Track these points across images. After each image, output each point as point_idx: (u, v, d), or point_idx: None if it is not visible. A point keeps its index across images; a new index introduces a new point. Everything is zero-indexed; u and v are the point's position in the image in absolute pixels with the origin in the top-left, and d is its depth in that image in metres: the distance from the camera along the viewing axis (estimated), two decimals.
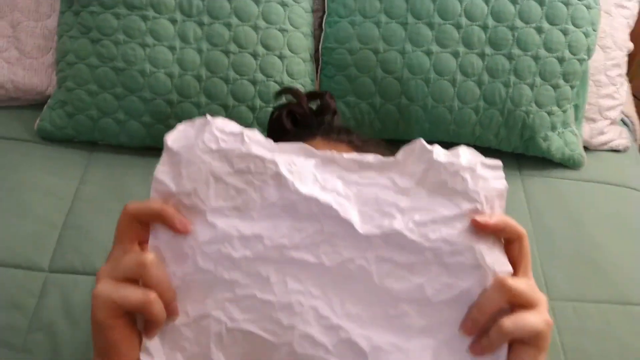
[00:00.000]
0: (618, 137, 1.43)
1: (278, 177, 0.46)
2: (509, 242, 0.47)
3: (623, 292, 1.12)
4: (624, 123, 1.51)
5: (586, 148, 1.39)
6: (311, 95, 0.85)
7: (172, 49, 1.17)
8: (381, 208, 0.46)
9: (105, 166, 1.20)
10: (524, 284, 0.45)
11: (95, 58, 1.16)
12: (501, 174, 0.47)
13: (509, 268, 0.46)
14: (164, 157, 0.46)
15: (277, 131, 0.82)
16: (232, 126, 0.47)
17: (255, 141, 0.46)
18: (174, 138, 0.46)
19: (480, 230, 0.45)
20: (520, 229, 0.46)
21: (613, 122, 1.42)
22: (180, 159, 0.45)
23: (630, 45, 1.47)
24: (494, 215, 0.45)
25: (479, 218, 0.45)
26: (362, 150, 0.70)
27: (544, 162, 1.34)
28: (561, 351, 1.02)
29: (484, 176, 0.46)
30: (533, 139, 1.29)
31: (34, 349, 0.92)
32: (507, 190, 0.47)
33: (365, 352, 0.46)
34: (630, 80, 1.60)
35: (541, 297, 0.45)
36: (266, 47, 1.19)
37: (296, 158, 0.47)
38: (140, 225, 0.46)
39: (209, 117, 0.47)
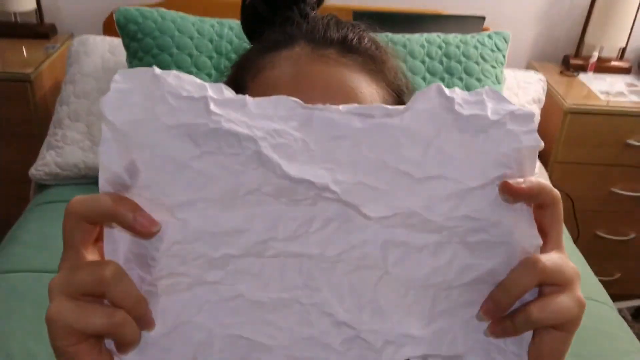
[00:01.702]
0: None
1: (259, 158, 0.37)
2: (541, 208, 0.40)
3: None
4: None
5: None
6: None
7: (209, 76, 1.66)
8: (391, 179, 0.38)
9: None
10: (557, 261, 0.39)
11: None
12: (533, 127, 0.39)
13: (539, 241, 0.39)
14: (106, 134, 0.36)
15: (251, 22, 0.63)
16: (190, 86, 0.36)
17: (224, 105, 0.36)
18: (113, 106, 0.36)
19: (511, 196, 0.38)
20: (556, 192, 0.39)
21: None
22: (128, 140, 0.36)
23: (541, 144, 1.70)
24: (527, 179, 0.39)
25: (512, 182, 0.38)
26: (367, 62, 0.56)
27: None
28: None
29: (514, 132, 0.38)
30: None
31: None
32: (540, 147, 0.39)
33: (376, 348, 0.40)
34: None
35: (574, 272, 0.40)
36: None
37: (277, 120, 0.37)
38: (92, 224, 0.37)
39: (156, 70, 0.36)
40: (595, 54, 2.06)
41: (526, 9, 2.11)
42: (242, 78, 0.58)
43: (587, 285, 1.51)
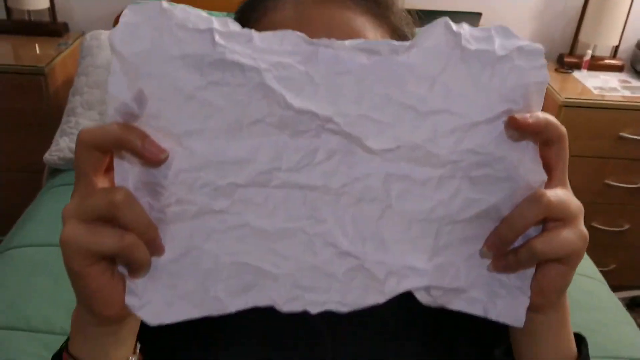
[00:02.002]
0: None
1: (263, 89, 0.37)
2: (546, 144, 0.40)
3: None
4: None
5: None
6: None
7: None
8: (395, 113, 0.38)
9: None
10: (562, 196, 0.39)
11: None
12: (542, 62, 0.39)
13: (544, 176, 0.40)
14: (115, 64, 0.37)
15: None
16: (196, 18, 0.37)
17: (229, 37, 0.37)
18: (122, 38, 0.37)
19: (517, 130, 0.38)
20: (562, 128, 0.39)
21: None
22: (137, 71, 0.37)
23: None
24: (534, 113, 0.38)
25: (518, 117, 0.38)
26: (371, 6, 0.56)
27: None
28: None
29: (523, 67, 0.38)
30: None
31: None
32: (547, 83, 0.39)
33: (380, 279, 0.41)
34: None
35: (578, 207, 0.40)
36: None
37: (282, 54, 0.38)
38: (102, 153, 0.38)
39: (164, 3, 0.37)
40: (589, 52, 2.13)
41: (522, 8, 2.19)
42: (245, 22, 0.58)
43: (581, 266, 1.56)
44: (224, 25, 0.38)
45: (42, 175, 1.77)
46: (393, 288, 0.42)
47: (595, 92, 2.01)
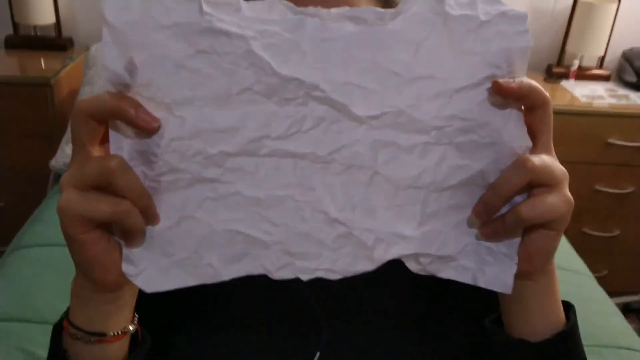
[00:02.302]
0: None
1: (251, 57, 0.38)
2: (531, 109, 0.40)
3: None
4: None
5: None
6: None
7: None
8: (380, 79, 0.39)
9: None
10: (547, 161, 0.40)
11: None
12: (525, 27, 0.39)
13: (528, 142, 0.40)
14: (106, 35, 0.37)
15: None
16: None
17: (217, 7, 0.38)
18: (113, 8, 0.37)
19: (501, 96, 0.38)
20: (546, 94, 0.39)
21: None
22: (127, 41, 0.37)
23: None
24: (517, 79, 0.39)
25: (502, 82, 0.38)
26: None
27: None
28: None
29: (506, 32, 0.39)
30: None
31: None
32: (530, 48, 0.39)
33: (368, 246, 0.42)
34: None
35: (563, 173, 0.40)
36: None
37: (270, 23, 0.38)
38: (98, 123, 0.39)
39: None
40: (576, 62, 2.21)
41: None
42: None
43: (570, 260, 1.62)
44: None
45: (47, 183, 1.82)
46: (381, 255, 0.42)
47: (583, 99, 2.09)
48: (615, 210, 2.16)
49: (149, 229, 0.41)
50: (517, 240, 0.42)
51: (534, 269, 0.44)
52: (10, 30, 2.15)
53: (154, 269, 0.42)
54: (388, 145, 0.41)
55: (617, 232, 2.18)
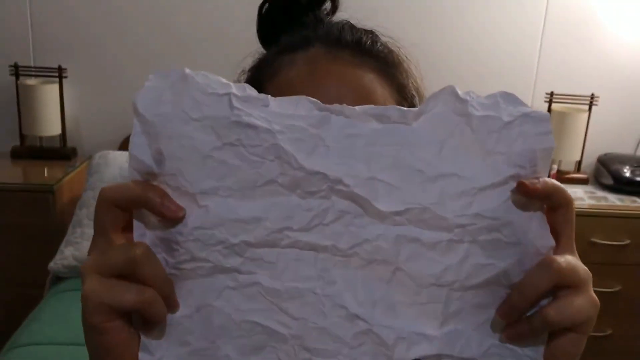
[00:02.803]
0: None
1: (277, 150, 0.39)
2: (553, 209, 0.40)
3: None
4: None
5: None
6: None
7: None
8: (404, 176, 0.39)
9: None
10: (572, 262, 0.39)
11: None
12: (548, 128, 0.39)
13: (552, 242, 0.40)
14: (137, 125, 0.39)
15: (267, 30, 0.66)
16: (216, 84, 0.39)
17: (246, 101, 0.39)
18: (145, 101, 0.39)
19: (526, 196, 0.39)
20: (569, 194, 0.40)
21: None
22: (157, 132, 0.39)
23: None
24: (541, 179, 0.39)
25: (527, 182, 0.38)
26: (380, 64, 0.59)
27: None
28: None
29: (529, 132, 0.39)
30: None
31: None
32: (553, 149, 0.40)
33: (388, 345, 0.41)
34: None
35: (587, 274, 0.40)
36: None
37: (296, 118, 0.40)
38: (122, 210, 0.39)
39: (186, 70, 0.40)
40: (555, 167, 2.33)
41: None
42: (259, 79, 0.61)
43: None
44: (241, 90, 0.40)
45: (43, 290, 1.83)
46: (402, 355, 0.41)
47: None
48: (606, 309, 2.18)
49: (167, 316, 0.41)
50: (543, 343, 0.41)
51: None
52: (17, 142, 2.25)
53: (170, 357, 0.42)
54: (411, 241, 0.40)
55: (609, 332, 2.19)
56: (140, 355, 0.41)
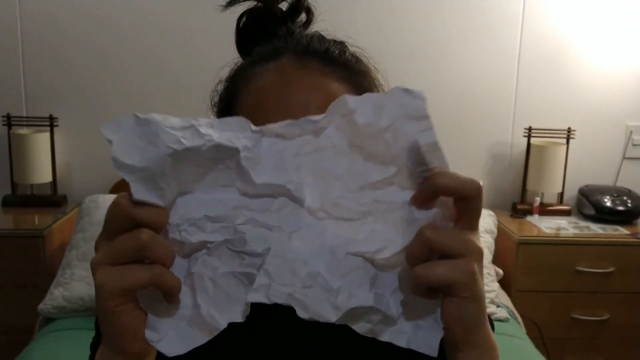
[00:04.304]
0: None
1: (238, 166, 0.46)
2: (461, 199, 0.44)
3: None
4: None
5: None
6: None
7: None
8: (321, 178, 0.47)
9: None
10: (450, 235, 0.44)
11: None
12: (428, 124, 0.44)
13: (438, 215, 0.45)
14: (129, 176, 0.43)
15: (244, 41, 0.72)
16: (173, 120, 0.44)
17: (207, 127, 0.45)
18: (123, 153, 0.43)
19: (421, 205, 0.45)
20: (469, 188, 0.43)
21: None
22: (153, 174, 0.43)
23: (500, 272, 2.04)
24: (435, 179, 0.43)
25: (416, 195, 0.45)
26: (347, 73, 0.64)
27: None
28: None
29: (408, 132, 0.44)
30: None
31: None
32: (437, 143, 0.44)
33: (333, 289, 0.46)
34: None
35: (471, 248, 0.44)
36: None
37: (242, 139, 0.46)
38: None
39: (138, 114, 0.43)
40: (538, 199, 2.38)
41: (474, 166, 2.46)
42: (233, 88, 0.66)
43: None
44: (194, 120, 0.45)
45: (30, 337, 1.82)
46: (344, 303, 0.47)
47: (548, 231, 2.22)
48: (596, 337, 2.20)
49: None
50: (438, 306, 0.47)
51: (455, 338, 0.46)
52: (8, 191, 2.29)
53: (172, 332, 0.47)
54: (332, 226, 0.48)
55: None
56: (147, 332, 0.46)
